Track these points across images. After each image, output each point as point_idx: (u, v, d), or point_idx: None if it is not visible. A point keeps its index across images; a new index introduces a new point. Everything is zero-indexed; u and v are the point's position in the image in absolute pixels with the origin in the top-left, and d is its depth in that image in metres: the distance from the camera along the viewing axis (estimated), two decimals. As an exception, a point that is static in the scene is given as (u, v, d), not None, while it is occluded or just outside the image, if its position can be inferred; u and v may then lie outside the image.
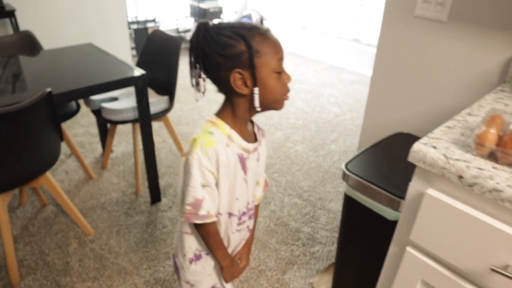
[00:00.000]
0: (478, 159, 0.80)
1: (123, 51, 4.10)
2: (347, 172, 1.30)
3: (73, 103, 2.37)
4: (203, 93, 0.92)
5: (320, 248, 1.96)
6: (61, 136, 1.83)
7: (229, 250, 1.08)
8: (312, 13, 5.02)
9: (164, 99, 2.33)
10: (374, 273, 1.18)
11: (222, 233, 1.03)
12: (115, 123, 2.21)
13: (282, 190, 2.40)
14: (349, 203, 1.35)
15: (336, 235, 2.03)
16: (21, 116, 1.49)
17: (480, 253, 0.81)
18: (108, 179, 2.47)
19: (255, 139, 1.00)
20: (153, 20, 4.97)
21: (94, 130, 3.05)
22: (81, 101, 2.43)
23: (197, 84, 0.90)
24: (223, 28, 0.84)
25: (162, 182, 2.43)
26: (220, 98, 0.93)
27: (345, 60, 4.83)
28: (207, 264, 1.08)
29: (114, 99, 2.31)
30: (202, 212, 0.92)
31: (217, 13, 5.00)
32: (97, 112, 2.28)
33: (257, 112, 0.92)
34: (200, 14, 4.92)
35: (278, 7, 5.43)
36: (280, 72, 0.87)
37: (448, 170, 0.80)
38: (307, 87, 4.13)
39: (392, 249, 1.05)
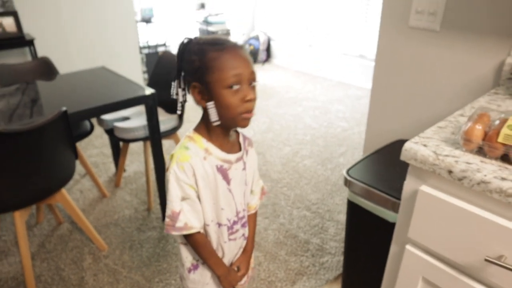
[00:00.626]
0: (466, 154, 0.84)
1: (135, 75, 4.25)
2: (349, 178, 1.33)
3: (87, 124, 2.47)
4: (182, 104, 0.97)
5: (329, 258, 1.98)
6: (75, 154, 1.91)
7: (226, 259, 1.10)
8: (318, 32, 5.14)
9: (174, 117, 2.41)
10: (381, 277, 1.20)
11: (214, 244, 1.06)
12: (127, 141, 2.29)
13: (291, 204, 2.43)
14: (352, 208, 1.38)
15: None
16: (38, 134, 1.58)
17: (474, 245, 0.83)
18: (121, 197, 2.54)
19: (239, 149, 1.03)
20: (164, 44, 5.14)
21: (107, 150, 3.15)
22: (94, 122, 2.53)
23: (177, 94, 0.96)
24: (197, 43, 0.91)
25: (173, 199, 2.48)
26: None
27: (351, 76, 4.89)
28: (205, 273, 1.10)
29: (126, 118, 2.41)
30: (179, 224, 0.96)
31: (225, 35, 5.15)
32: (110, 132, 2.37)
33: (229, 126, 0.96)
34: (208, 37, 5.08)
35: (285, 28, 5.57)
36: (235, 87, 0.87)
37: (438, 166, 0.84)
38: (315, 103, 4.20)
39: (393, 248, 1.08)
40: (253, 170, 1.11)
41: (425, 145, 0.88)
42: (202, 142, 0.96)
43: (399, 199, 1.19)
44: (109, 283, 1.86)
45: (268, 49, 5.94)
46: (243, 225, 1.10)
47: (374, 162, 1.41)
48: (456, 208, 0.84)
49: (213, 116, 0.91)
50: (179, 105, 0.98)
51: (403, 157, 0.91)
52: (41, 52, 3.45)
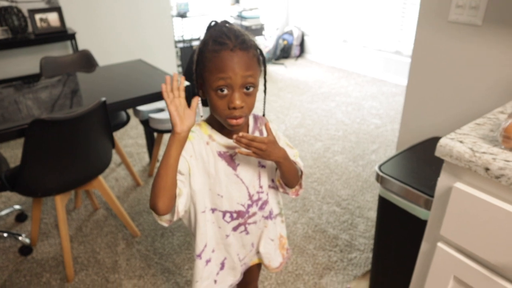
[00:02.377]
0: (505, 152, 0.82)
1: (170, 68, 4.34)
2: (381, 174, 1.32)
3: (124, 115, 2.56)
4: (200, 97, 0.96)
5: (358, 254, 1.96)
6: (113, 143, 1.99)
7: (233, 250, 1.09)
8: (353, 27, 5.05)
9: (207, 109, 2.45)
10: (410, 275, 1.18)
11: (210, 233, 1.04)
12: (162, 132, 2.36)
13: (321, 199, 2.43)
14: (384, 204, 1.37)
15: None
16: (79, 122, 1.65)
17: (509, 245, 0.81)
18: (154, 186, 2.61)
19: (247, 132, 1.03)
20: (198, 39, 5.22)
21: (142, 141, 3.24)
22: (131, 113, 2.61)
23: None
24: (211, 31, 0.92)
25: (204, 190, 2.53)
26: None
27: (386, 72, 4.79)
28: (207, 268, 1.09)
29: (161, 110, 2.47)
30: None
31: (259, 30, 5.16)
32: (145, 123, 2.44)
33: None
34: (242, 31, 5.10)
35: (319, 22, 5.52)
36: (224, 91, 0.87)
37: (474, 163, 0.82)
38: (348, 99, 4.15)
39: (424, 246, 1.06)
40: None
41: (461, 142, 0.87)
42: (207, 129, 0.99)
43: (432, 196, 1.17)
44: (141, 268, 1.93)
45: (301, 44, 5.90)
46: (261, 208, 1.09)
47: (407, 159, 1.39)
48: (492, 207, 0.82)
49: (200, 111, 0.95)
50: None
51: (438, 153, 0.90)
52: (81, 45, 3.59)
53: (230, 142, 0.98)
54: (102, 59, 3.05)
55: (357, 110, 3.85)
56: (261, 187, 1.07)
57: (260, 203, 1.09)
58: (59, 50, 3.65)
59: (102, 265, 1.96)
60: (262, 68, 0.96)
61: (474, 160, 0.82)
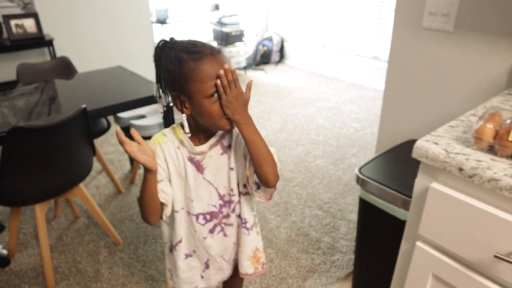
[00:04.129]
0: (477, 153, 0.86)
1: (150, 74, 4.29)
2: (361, 176, 1.35)
3: (104, 121, 2.53)
4: (165, 106, 0.98)
5: (340, 256, 1.99)
6: (93, 150, 1.97)
7: (213, 252, 1.12)
8: (332, 32, 5.14)
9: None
10: (391, 274, 1.21)
11: (182, 231, 1.07)
12: (143, 138, 2.34)
13: (303, 202, 2.45)
14: (364, 206, 1.40)
15: (357, 244, 2.06)
16: (59, 130, 1.63)
17: (483, 242, 0.85)
18: (136, 193, 2.59)
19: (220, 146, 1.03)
20: (178, 45, 5.20)
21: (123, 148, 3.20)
22: (111, 120, 2.59)
23: (159, 97, 0.98)
24: (173, 48, 0.91)
25: (187, 196, 2.53)
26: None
27: (365, 77, 4.89)
28: (178, 257, 1.11)
29: (142, 116, 2.46)
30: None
31: (239, 36, 5.19)
32: (126, 129, 2.42)
33: (212, 130, 1.00)
34: (222, 37, 5.13)
35: (298, 28, 5.59)
36: (212, 96, 0.89)
37: (449, 163, 0.86)
38: (327, 104, 4.21)
39: (403, 245, 1.09)
40: (243, 159, 1.05)
41: (436, 143, 0.90)
42: (180, 134, 1.00)
43: (410, 197, 1.21)
44: (124, 276, 1.91)
45: (281, 50, 5.97)
46: (233, 210, 1.10)
47: (386, 161, 1.43)
48: (466, 205, 0.86)
49: (186, 128, 0.95)
50: (161, 108, 1.00)
51: (415, 154, 0.93)
52: (59, 52, 3.53)
53: (198, 148, 1.00)
54: (81, 65, 3.01)
55: (337, 114, 3.91)
56: (231, 189, 1.07)
57: (232, 205, 1.09)
58: (36, 57, 3.58)
59: (84, 274, 1.93)
60: None
61: (448, 161, 0.86)
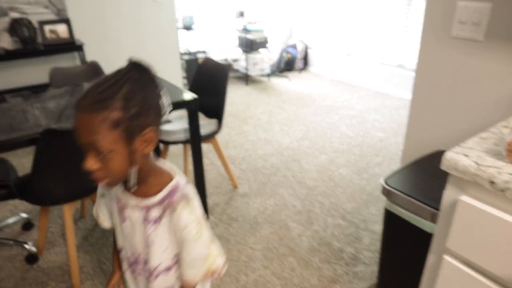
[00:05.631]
0: (509, 166, 0.84)
1: (175, 80, 4.39)
2: (387, 187, 1.34)
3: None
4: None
5: (363, 268, 1.97)
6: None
7: None
8: (357, 40, 5.11)
9: (213, 121, 2.48)
10: (417, 287, 1.19)
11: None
12: (168, 143, 2.38)
13: (326, 211, 2.44)
14: (389, 218, 1.38)
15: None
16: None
17: (515, 258, 0.83)
18: (159, 197, 2.63)
19: (149, 198, 0.90)
20: (203, 51, 5.28)
21: (148, 152, 3.27)
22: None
23: None
24: None
25: (209, 201, 2.55)
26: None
27: (389, 86, 4.83)
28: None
29: (167, 121, 2.50)
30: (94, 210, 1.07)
31: (263, 43, 5.22)
32: (152, 134, 2.47)
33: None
34: (247, 44, 5.17)
35: (323, 36, 5.58)
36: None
37: (480, 176, 0.84)
38: (351, 112, 4.18)
39: (430, 259, 1.07)
40: (171, 241, 0.91)
41: (466, 155, 0.89)
42: None
43: (437, 209, 1.18)
44: (146, 278, 1.94)
45: (305, 57, 5.97)
46: (150, 274, 0.96)
47: (413, 172, 1.41)
48: (497, 219, 0.84)
49: (132, 178, 0.87)
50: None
51: (444, 166, 0.91)
52: (89, 56, 3.64)
53: (123, 193, 0.93)
54: (109, 70, 3.09)
55: (360, 123, 3.88)
56: (150, 257, 0.94)
57: (147, 267, 0.97)
58: (67, 61, 3.70)
59: (107, 276, 1.96)
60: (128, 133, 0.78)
61: (479, 174, 0.84)
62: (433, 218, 1.20)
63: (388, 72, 4.83)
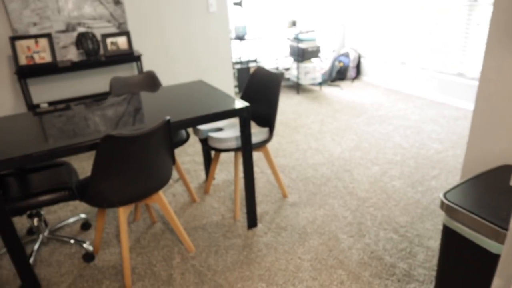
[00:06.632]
0: None
1: (227, 88, 4.47)
2: (446, 202, 1.26)
3: (184, 133, 2.66)
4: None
5: (417, 285, 1.86)
6: (173, 160, 2.07)
7: None
8: (412, 48, 4.93)
9: (265, 130, 2.49)
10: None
11: None
12: (220, 151, 2.42)
13: (378, 224, 2.35)
14: (448, 234, 1.30)
15: (435, 273, 1.91)
16: (146, 139, 1.74)
17: None
18: (209, 203, 2.67)
19: None
20: (255, 60, 5.34)
21: (199, 158, 3.34)
22: (190, 131, 2.71)
23: None
24: None
25: (259, 209, 2.55)
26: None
27: (447, 95, 4.60)
28: None
29: (220, 129, 2.54)
30: None
31: (315, 52, 5.18)
32: (204, 141, 2.52)
33: None
34: (299, 53, 5.16)
35: (376, 44, 5.44)
36: None
37: (556, 194, 0.77)
38: (406, 122, 4.02)
39: (496, 282, 0.99)
40: None
41: (540, 171, 0.81)
42: None
43: (504, 228, 1.10)
44: (194, 283, 1.96)
45: (358, 66, 5.85)
46: None
47: (475, 187, 1.32)
48: None
49: None
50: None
51: (514, 182, 0.85)
52: (146, 66, 3.81)
53: None
54: (164, 79, 3.22)
55: (416, 134, 3.71)
56: None
57: None
58: (125, 71, 3.90)
59: (158, 278, 2.02)
60: None
61: (556, 192, 0.77)
62: (499, 238, 1.11)
63: (446, 81, 4.60)
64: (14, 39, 3.22)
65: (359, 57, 5.80)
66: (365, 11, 5.51)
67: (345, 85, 5.60)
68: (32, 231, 2.49)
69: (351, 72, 5.79)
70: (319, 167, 3.13)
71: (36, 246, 2.24)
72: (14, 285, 2.04)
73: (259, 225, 2.40)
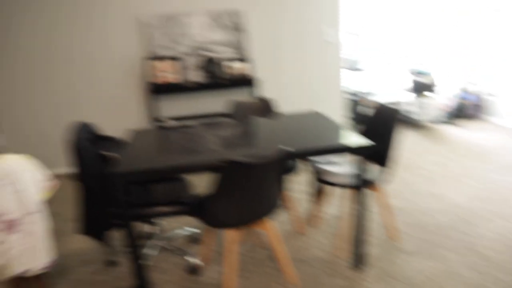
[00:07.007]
0: None
1: (336, 118, 4.43)
2: None
3: (293, 162, 2.66)
4: None
5: None
6: (282, 188, 2.08)
7: None
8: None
9: (379, 169, 2.37)
10: None
11: None
12: (329, 184, 2.36)
13: (506, 291, 2.04)
14: None
15: None
16: (265, 167, 1.78)
17: None
18: (313, 237, 2.61)
19: None
20: (367, 92, 5.21)
21: (305, 188, 3.31)
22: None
23: None
24: None
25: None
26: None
27: None
28: None
29: (332, 162, 2.49)
30: None
31: (432, 86, 4.87)
32: (314, 172, 2.49)
33: None
34: (417, 88, 4.89)
35: (506, 82, 4.88)
36: None
37: None
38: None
39: None
40: None
41: None
42: None
43: None
44: (294, 319, 1.91)
45: (484, 105, 5.31)
46: None
47: None
48: None
49: None
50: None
51: None
52: (264, 91, 3.98)
53: None
54: (280, 105, 3.30)
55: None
56: None
57: None
58: (239, 94, 4.12)
59: (259, 306, 2.01)
60: None
61: None
62: None
63: None
64: (149, 59, 3.65)
65: (485, 95, 5.27)
66: (494, 47, 5.01)
67: (470, 124, 5.12)
68: (146, 236, 2.70)
69: (476, 111, 5.28)
70: (435, 214, 2.86)
71: (148, 251, 2.42)
72: (127, 283, 2.22)
73: (366, 269, 2.26)
